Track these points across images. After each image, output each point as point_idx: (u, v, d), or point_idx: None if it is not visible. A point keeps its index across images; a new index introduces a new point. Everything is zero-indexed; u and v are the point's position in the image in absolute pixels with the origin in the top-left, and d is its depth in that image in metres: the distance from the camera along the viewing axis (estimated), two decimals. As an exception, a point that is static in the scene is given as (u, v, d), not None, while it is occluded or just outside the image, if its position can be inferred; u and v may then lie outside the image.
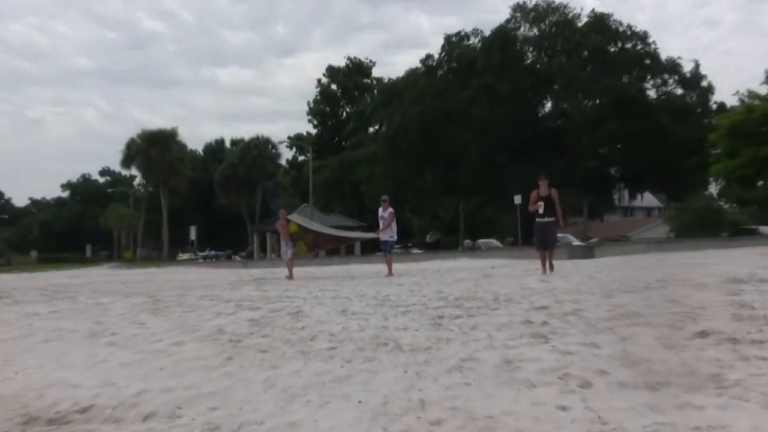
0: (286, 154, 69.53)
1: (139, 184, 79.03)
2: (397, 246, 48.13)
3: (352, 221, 50.59)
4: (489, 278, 10.82)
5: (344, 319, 6.06)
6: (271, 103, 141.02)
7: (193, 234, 50.52)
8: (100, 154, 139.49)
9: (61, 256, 61.58)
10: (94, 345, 5.57)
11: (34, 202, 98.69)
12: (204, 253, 58.30)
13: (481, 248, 37.16)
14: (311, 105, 65.17)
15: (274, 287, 11.40)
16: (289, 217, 16.09)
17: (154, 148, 58.87)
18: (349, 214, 52.37)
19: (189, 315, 7.06)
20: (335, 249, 46.89)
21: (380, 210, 14.00)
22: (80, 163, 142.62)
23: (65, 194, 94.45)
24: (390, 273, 13.64)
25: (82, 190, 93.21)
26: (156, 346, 5.28)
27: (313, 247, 16.22)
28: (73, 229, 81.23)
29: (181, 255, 56.58)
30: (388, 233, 13.80)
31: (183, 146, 63.24)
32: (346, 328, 5.50)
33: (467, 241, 42.45)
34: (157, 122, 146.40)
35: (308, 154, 53.84)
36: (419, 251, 39.94)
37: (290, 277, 14.96)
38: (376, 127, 49.24)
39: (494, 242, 40.56)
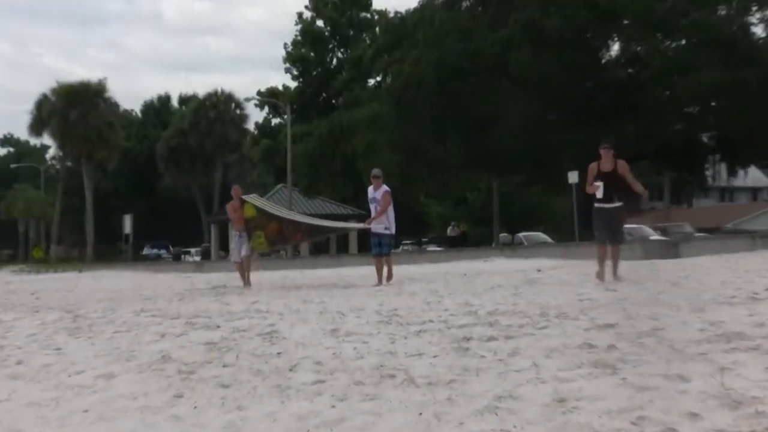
0: (256, 117, 70.14)
1: (53, 158, 79.42)
2: (407, 242, 48.39)
3: (345, 208, 50.76)
4: (534, 285, 10.83)
5: (335, 341, 6.08)
6: (234, 47, 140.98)
7: (127, 226, 50.69)
8: (0, 117, 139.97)
9: (-53, 257, 61.97)
10: (-8, 378, 5.59)
11: None
12: (147, 252, 58.66)
13: (524, 244, 37.15)
14: (289, 49, 65.13)
15: (239, 298, 11.43)
16: (246, 197, 15.75)
17: (74, 109, 59.05)
18: (343, 198, 52.52)
19: (122, 337, 7.10)
20: (321, 245, 46.83)
21: (371, 190, 13.96)
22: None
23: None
24: (378, 280, 13.64)
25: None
26: (77, 380, 5.29)
27: (278, 240, 15.81)
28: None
29: (147, 251, 57.50)
30: (383, 223, 13.69)
31: (114, 106, 63.55)
32: (339, 353, 5.52)
33: (504, 235, 42.51)
34: (78, 73, 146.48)
35: (285, 117, 53.90)
36: (438, 248, 39.98)
37: (247, 283, 14.88)
38: (379, 79, 49.11)
39: (541, 236, 40.60)
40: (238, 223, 15.04)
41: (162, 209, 73.62)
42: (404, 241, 46.94)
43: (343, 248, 47.85)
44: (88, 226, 59.44)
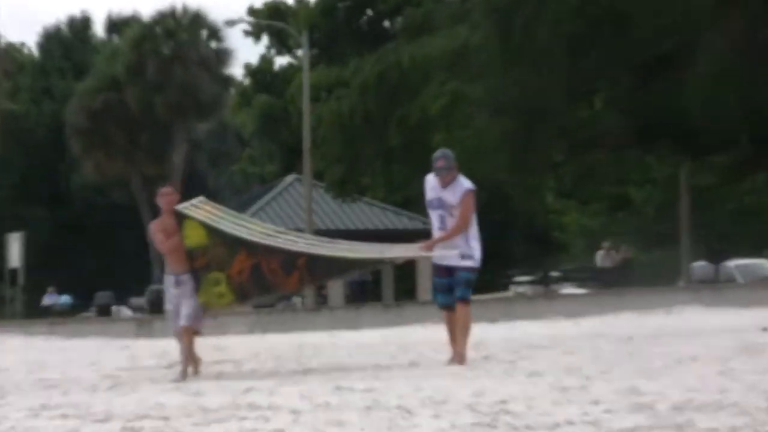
0: (246, 54, 70.44)
1: None
2: (523, 279, 48.00)
3: (411, 218, 50.80)
4: (758, 357, 10.88)
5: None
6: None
7: (15, 255, 50.83)
8: None
9: None
10: None
11: None
12: (49, 301, 58.97)
13: (737, 281, 36.75)
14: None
15: (219, 384, 11.52)
16: (186, 207, 14.05)
17: None
18: (405, 200, 52.46)
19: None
20: (367, 284, 46.89)
21: (432, 185, 13.24)
22: None
23: None
24: (459, 355, 12.99)
25: None
26: None
27: (254, 289, 14.06)
28: None
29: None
30: (459, 247, 13.03)
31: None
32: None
33: (701, 265, 42.14)
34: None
35: (300, 54, 54.15)
36: (578, 290, 39.73)
37: (185, 372, 13.58)
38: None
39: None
40: (175, 260, 14.10)
41: (78, 224, 73.80)
42: (517, 278, 46.87)
43: (406, 291, 47.87)
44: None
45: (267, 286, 14.11)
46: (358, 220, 48.81)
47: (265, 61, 70.61)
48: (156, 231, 14.13)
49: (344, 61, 54.78)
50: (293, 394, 9.71)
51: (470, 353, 13.50)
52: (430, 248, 13.41)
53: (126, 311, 52.64)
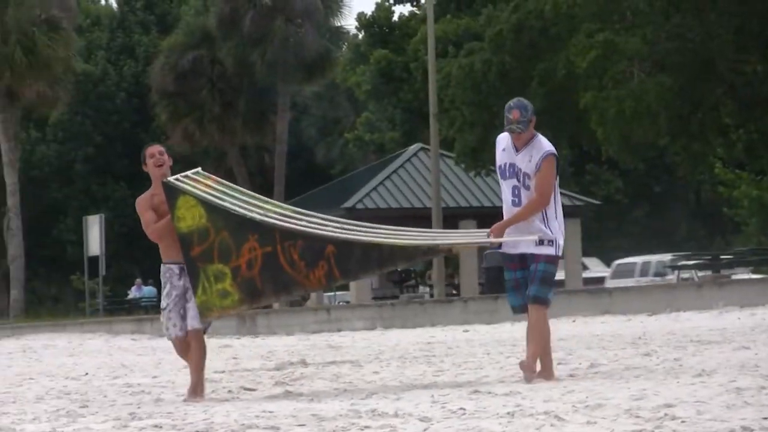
0: (359, 2, 70.09)
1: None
2: (689, 263, 47.66)
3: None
4: None
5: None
6: None
7: (94, 241, 50.08)
8: None
9: None
10: None
11: None
12: (135, 294, 58.50)
13: None
14: None
15: (336, 389, 11.63)
16: (178, 180, 12.74)
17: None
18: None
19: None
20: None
21: (503, 144, 12.19)
22: None
23: None
24: (528, 366, 11.65)
25: None
26: None
27: (266, 287, 12.70)
28: None
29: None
30: (536, 230, 11.74)
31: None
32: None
33: None
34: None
35: (423, 1, 54.05)
36: (753, 276, 39.33)
37: (195, 392, 12.41)
38: None
39: None
40: (168, 245, 12.75)
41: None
42: (681, 262, 46.52)
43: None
44: (13, 241, 59.65)
45: (285, 282, 12.79)
46: (494, 197, 48.18)
47: (383, 10, 70.35)
48: (142, 206, 12.82)
49: (475, 9, 54.53)
50: (423, 400, 9.79)
51: (626, 350, 13.48)
52: (500, 233, 11.86)
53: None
